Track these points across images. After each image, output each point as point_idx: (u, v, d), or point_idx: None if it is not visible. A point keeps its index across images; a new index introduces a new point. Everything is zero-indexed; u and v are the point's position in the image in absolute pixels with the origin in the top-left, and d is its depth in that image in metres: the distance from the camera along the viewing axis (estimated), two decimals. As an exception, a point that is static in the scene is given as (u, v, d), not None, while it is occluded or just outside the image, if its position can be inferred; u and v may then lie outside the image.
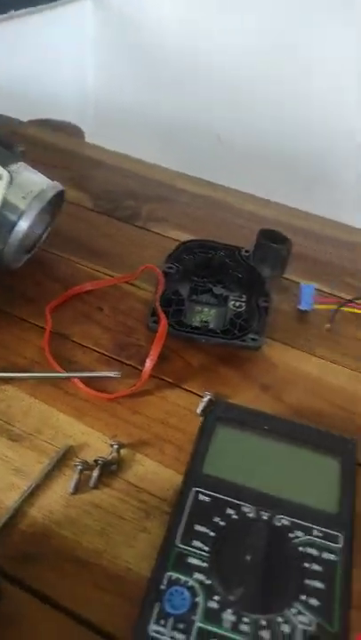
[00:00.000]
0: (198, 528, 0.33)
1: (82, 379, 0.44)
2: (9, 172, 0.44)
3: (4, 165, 0.46)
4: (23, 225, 0.48)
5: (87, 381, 0.45)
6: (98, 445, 0.41)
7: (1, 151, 0.47)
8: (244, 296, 0.57)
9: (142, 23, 1.43)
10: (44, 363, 0.47)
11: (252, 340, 0.50)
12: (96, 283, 0.55)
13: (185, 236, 0.64)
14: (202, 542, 0.32)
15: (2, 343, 0.49)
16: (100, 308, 0.54)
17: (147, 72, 1.49)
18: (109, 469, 0.39)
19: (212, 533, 0.33)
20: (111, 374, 0.44)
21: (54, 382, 0.45)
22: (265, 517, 0.34)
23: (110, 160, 0.79)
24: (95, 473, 0.38)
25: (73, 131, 1.18)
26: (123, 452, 0.40)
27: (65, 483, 0.38)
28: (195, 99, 1.46)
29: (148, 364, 0.44)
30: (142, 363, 0.47)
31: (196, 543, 0.32)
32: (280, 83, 1.33)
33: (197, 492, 0.35)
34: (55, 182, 0.51)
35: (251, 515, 0.34)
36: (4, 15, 1.21)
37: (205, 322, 0.52)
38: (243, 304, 0.56)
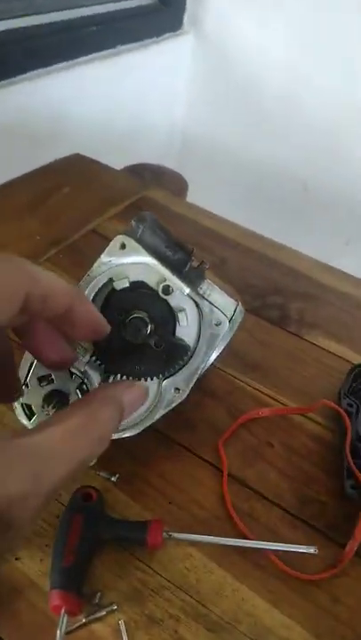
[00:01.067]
0: None
1: (275, 551, 0.40)
2: (212, 304, 0.40)
3: (197, 286, 0.42)
4: (215, 355, 0.43)
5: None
6: (303, 646, 0.36)
7: (193, 272, 0.42)
8: None
9: (241, 62, 1.39)
10: (225, 518, 0.43)
11: None
12: (266, 411, 0.51)
13: (341, 349, 0.59)
14: None
15: (177, 484, 0.44)
16: (271, 443, 0.49)
17: (238, 113, 1.45)
18: None
19: None
20: (309, 550, 0.40)
21: (242, 549, 0.41)
22: None
23: (243, 239, 0.75)
24: None
25: (175, 179, 1.15)
26: (330, 656, 0.36)
27: None
28: (285, 144, 1.41)
29: (351, 545, 0.40)
30: (328, 525, 0.43)
31: None
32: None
33: None
34: (240, 306, 0.46)
35: None
36: (112, 50, 1.19)
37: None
38: None
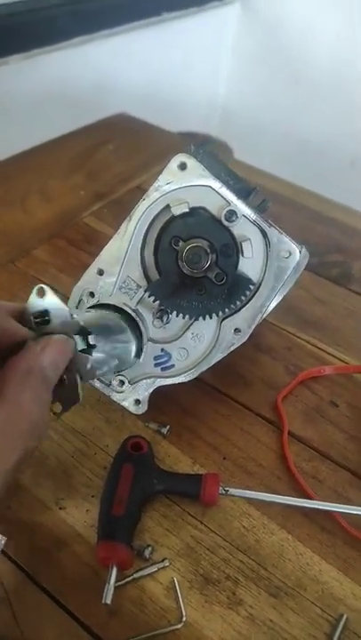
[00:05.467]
0: None
1: (345, 515, 0.36)
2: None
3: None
4: (273, 304, 0.39)
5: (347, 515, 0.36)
6: (378, 619, 0.32)
7: (255, 208, 0.38)
8: None
9: (288, 34, 1.33)
10: (287, 477, 0.39)
11: None
12: (329, 369, 0.46)
13: None
14: None
15: (232, 439, 0.41)
16: (335, 403, 0.45)
17: (284, 86, 1.38)
18: None
19: None
20: (383, 515, 0.35)
21: (306, 510, 0.37)
22: None
23: (298, 196, 0.70)
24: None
25: (221, 147, 1.10)
26: None
27: None
28: (332, 120, 1.34)
29: None
30: None
31: None
32: None
33: None
34: (304, 250, 0.42)
35: None
36: (156, 17, 1.15)
37: None
38: None
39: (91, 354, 0.30)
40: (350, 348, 0.49)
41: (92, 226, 0.61)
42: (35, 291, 0.27)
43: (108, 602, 0.30)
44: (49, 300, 0.27)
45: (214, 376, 0.45)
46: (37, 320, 0.27)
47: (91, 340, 0.30)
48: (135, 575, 0.33)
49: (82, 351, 0.29)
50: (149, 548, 0.34)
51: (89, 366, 0.29)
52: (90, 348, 0.30)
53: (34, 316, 0.28)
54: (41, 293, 0.27)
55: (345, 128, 1.34)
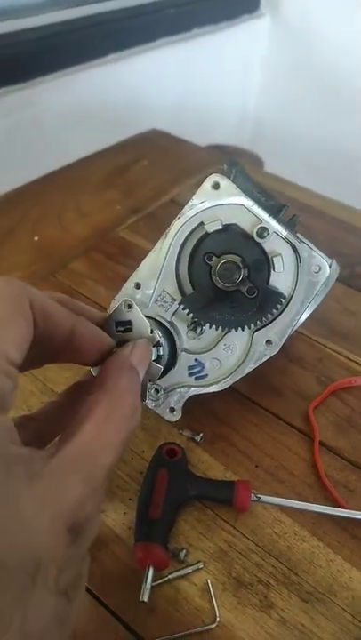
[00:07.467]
0: None
1: (375, 523, 0.36)
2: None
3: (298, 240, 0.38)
4: (304, 316, 0.40)
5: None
6: None
7: (286, 224, 0.40)
8: None
9: (319, 44, 1.33)
10: (318, 486, 0.40)
11: None
12: (359, 380, 0.47)
13: None
14: None
15: (264, 448, 0.42)
16: (366, 413, 0.45)
17: (316, 99, 1.39)
18: None
19: None
20: None
21: (336, 518, 0.38)
22: None
23: (328, 209, 0.71)
24: None
25: (252, 159, 1.12)
26: None
27: None
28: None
29: None
30: None
31: None
32: None
33: None
34: (335, 263, 0.43)
35: None
36: (188, 33, 1.18)
37: None
38: None
39: (160, 364, 0.35)
40: (381, 358, 0.50)
41: (128, 239, 0.63)
42: (122, 303, 0.31)
43: (146, 599, 0.32)
44: (133, 313, 0.32)
45: (247, 386, 0.46)
46: (120, 328, 0.32)
47: (160, 351, 0.35)
48: (170, 576, 0.34)
49: (154, 361, 0.33)
50: (184, 551, 0.35)
51: (157, 373, 0.33)
52: (159, 359, 0.35)
53: (119, 323, 0.32)
54: (127, 306, 0.31)
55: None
